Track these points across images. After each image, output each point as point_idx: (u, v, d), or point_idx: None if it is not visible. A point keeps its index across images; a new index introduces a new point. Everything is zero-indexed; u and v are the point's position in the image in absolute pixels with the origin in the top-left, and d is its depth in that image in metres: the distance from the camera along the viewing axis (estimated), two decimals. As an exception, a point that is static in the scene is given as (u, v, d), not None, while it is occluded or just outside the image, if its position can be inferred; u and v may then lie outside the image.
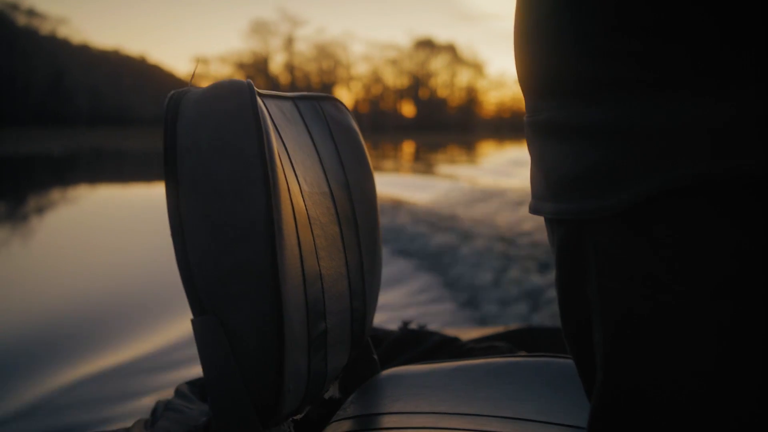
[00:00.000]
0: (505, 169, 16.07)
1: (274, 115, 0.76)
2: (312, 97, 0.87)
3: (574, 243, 0.53)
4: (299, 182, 0.75)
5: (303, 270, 0.71)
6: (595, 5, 0.48)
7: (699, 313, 0.46)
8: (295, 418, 0.76)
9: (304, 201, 0.75)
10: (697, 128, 0.44)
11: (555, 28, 0.52)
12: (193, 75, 0.77)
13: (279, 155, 0.70)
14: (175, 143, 0.66)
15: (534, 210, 0.58)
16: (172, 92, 0.71)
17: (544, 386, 0.82)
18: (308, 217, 0.75)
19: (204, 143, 0.66)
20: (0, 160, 19.90)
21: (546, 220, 0.58)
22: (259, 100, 0.68)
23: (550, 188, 0.54)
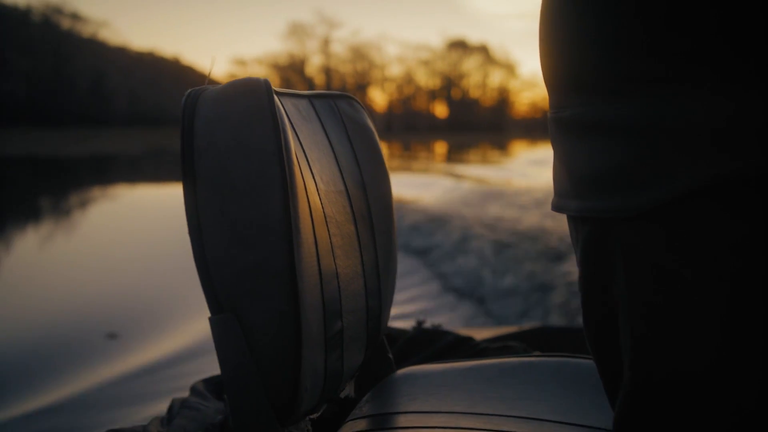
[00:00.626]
0: (522, 169, 16.24)
1: (290, 113, 0.76)
2: (327, 95, 0.87)
3: (599, 241, 0.52)
4: (315, 180, 0.75)
5: (320, 268, 0.70)
6: (617, 2, 0.48)
7: (718, 309, 0.46)
8: (311, 417, 0.76)
9: (320, 199, 0.75)
10: (719, 127, 0.44)
11: (578, 25, 0.51)
12: (210, 73, 0.76)
13: (295, 153, 0.69)
14: (193, 142, 0.66)
15: (557, 207, 0.58)
16: (189, 91, 0.70)
17: (559, 386, 0.82)
18: (324, 216, 0.75)
19: (221, 142, 0.65)
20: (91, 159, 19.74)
21: (569, 218, 0.57)
22: (275, 98, 0.68)
23: (574, 185, 0.53)
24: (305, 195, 0.70)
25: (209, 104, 0.67)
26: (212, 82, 0.73)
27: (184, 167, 0.66)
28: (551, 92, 0.57)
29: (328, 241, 0.74)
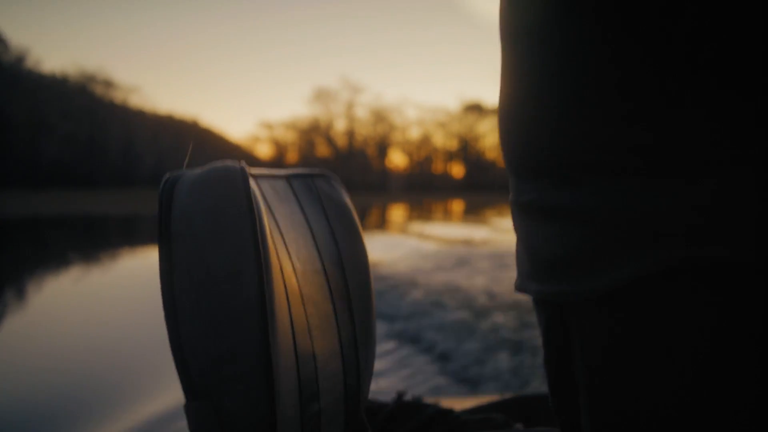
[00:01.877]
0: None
1: (267, 195, 0.73)
2: (306, 174, 0.84)
3: (559, 323, 0.51)
4: (292, 261, 0.71)
5: (296, 350, 0.66)
6: (576, 91, 0.46)
7: (672, 390, 0.43)
8: (289, 504, 0.69)
9: (297, 280, 0.71)
10: (671, 215, 0.42)
11: (536, 112, 0.49)
12: (188, 157, 0.74)
13: (272, 236, 0.66)
14: (170, 228, 0.62)
15: (519, 288, 0.56)
16: (167, 175, 0.67)
17: None
18: (301, 296, 0.71)
19: (198, 227, 0.62)
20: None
21: (533, 299, 0.55)
22: (252, 181, 0.65)
23: (534, 268, 0.51)
24: (281, 278, 0.66)
25: (186, 190, 0.65)
26: (192, 164, 0.71)
27: (161, 252, 0.62)
28: (511, 177, 0.56)
29: (305, 322, 0.70)
